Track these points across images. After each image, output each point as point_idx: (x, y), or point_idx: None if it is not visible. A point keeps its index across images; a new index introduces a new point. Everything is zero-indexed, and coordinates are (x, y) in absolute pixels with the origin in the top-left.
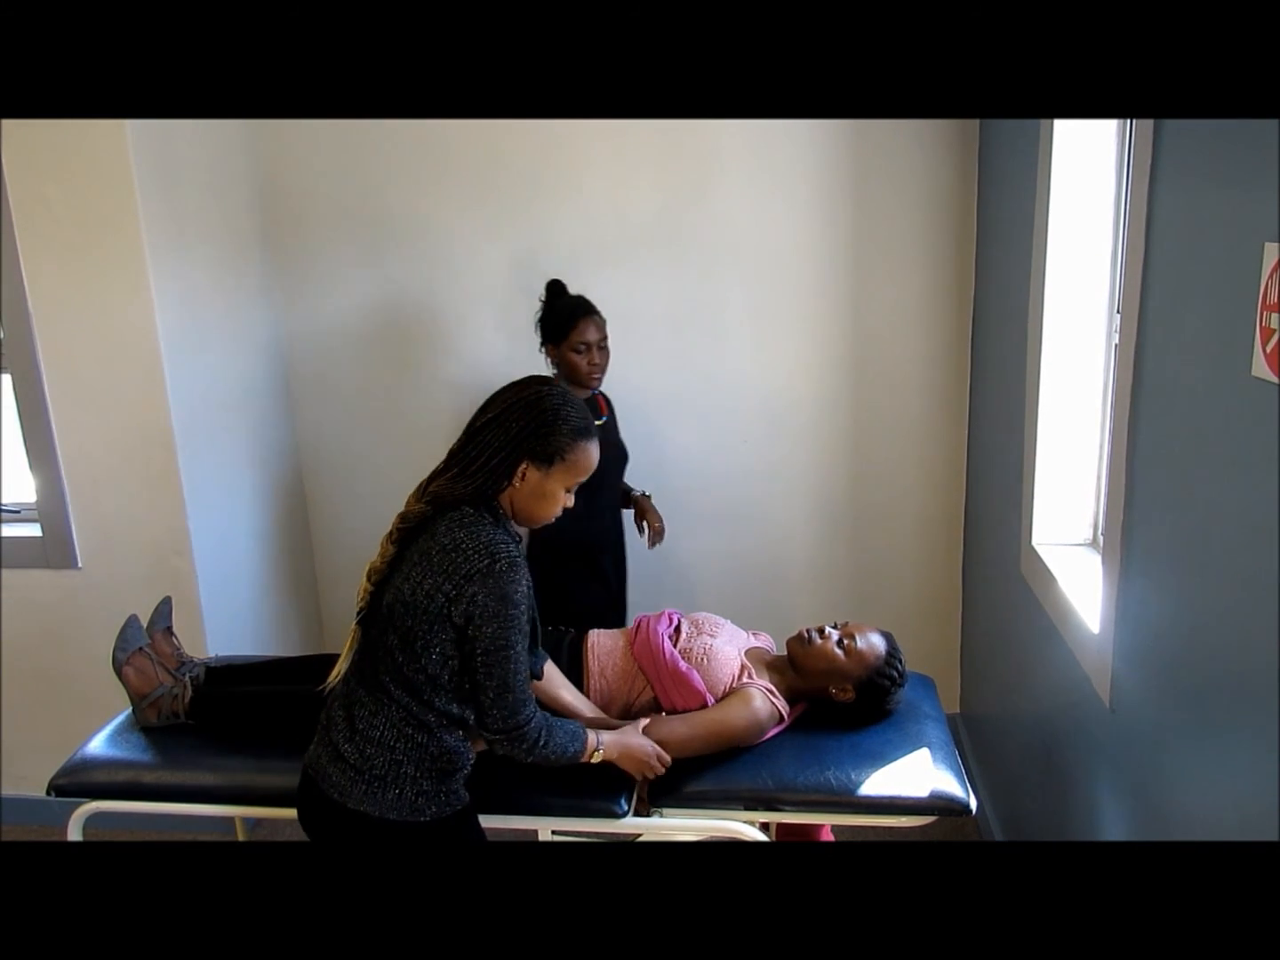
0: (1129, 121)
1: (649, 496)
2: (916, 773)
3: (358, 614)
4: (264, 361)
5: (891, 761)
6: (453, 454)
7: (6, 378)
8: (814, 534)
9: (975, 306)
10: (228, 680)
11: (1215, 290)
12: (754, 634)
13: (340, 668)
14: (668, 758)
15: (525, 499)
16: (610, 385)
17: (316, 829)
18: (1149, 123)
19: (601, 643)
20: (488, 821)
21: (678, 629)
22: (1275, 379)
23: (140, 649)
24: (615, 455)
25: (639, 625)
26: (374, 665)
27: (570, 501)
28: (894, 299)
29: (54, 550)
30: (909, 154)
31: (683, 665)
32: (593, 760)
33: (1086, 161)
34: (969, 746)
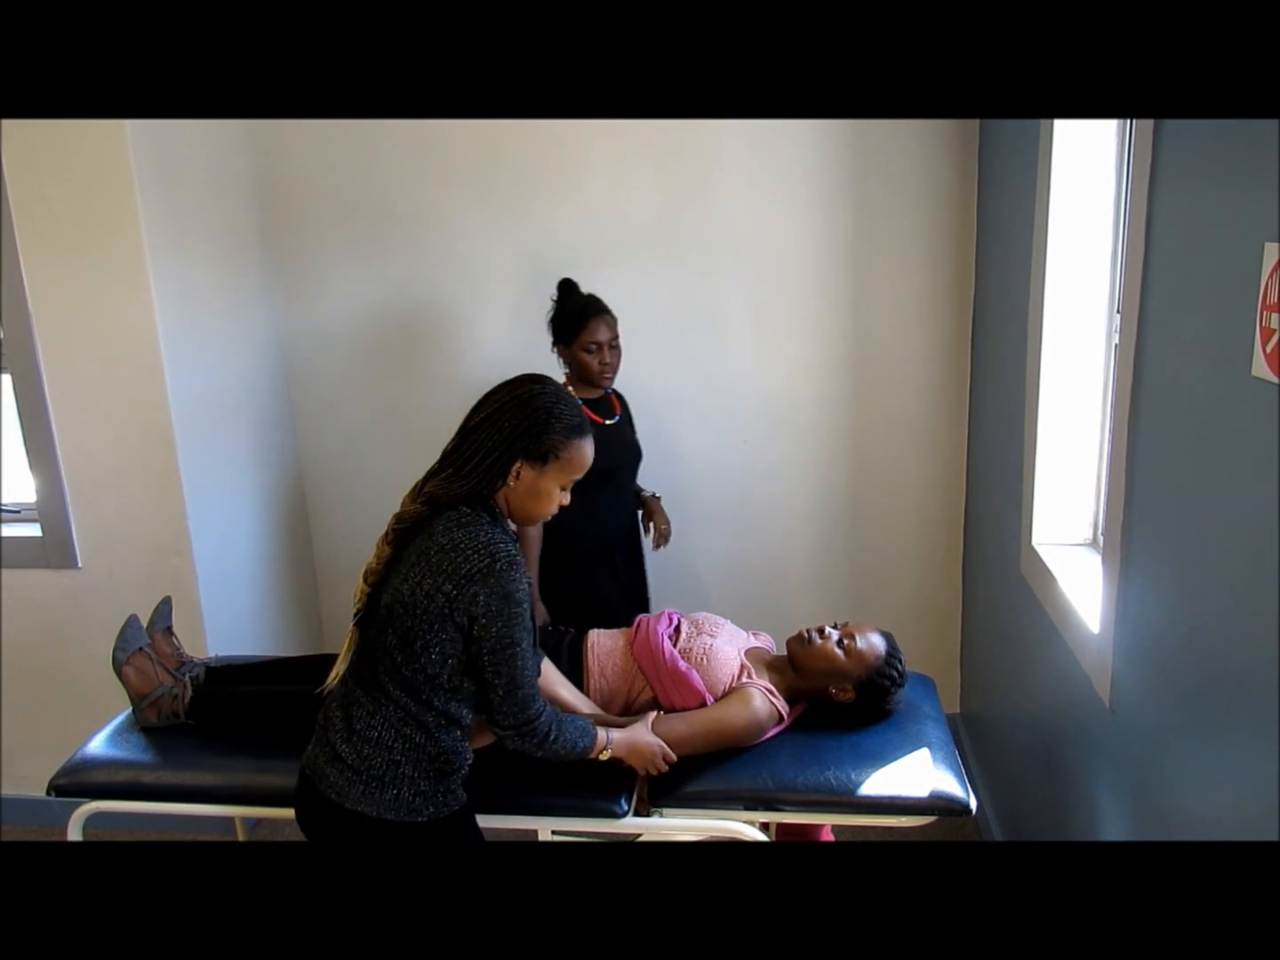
0: (1129, 121)
1: (659, 498)
2: (916, 773)
3: (355, 615)
4: (264, 361)
5: (891, 761)
6: (447, 454)
7: (6, 378)
8: (814, 534)
9: (975, 306)
10: (228, 680)
11: (1215, 290)
12: (754, 634)
13: (338, 670)
14: (674, 755)
15: (520, 498)
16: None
17: (314, 829)
18: (1149, 123)
19: (601, 642)
20: (488, 822)
21: (678, 629)
22: (1275, 379)
23: (140, 649)
24: (628, 454)
25: (639, 625)
26: (372, 666)
27: (566, 499)
28: (894, 299)
29: (54, 550)
30: (909, 154)
31: (682, 665)
32: (601, 757)
33: (1086, 161)
34: (969, 746)
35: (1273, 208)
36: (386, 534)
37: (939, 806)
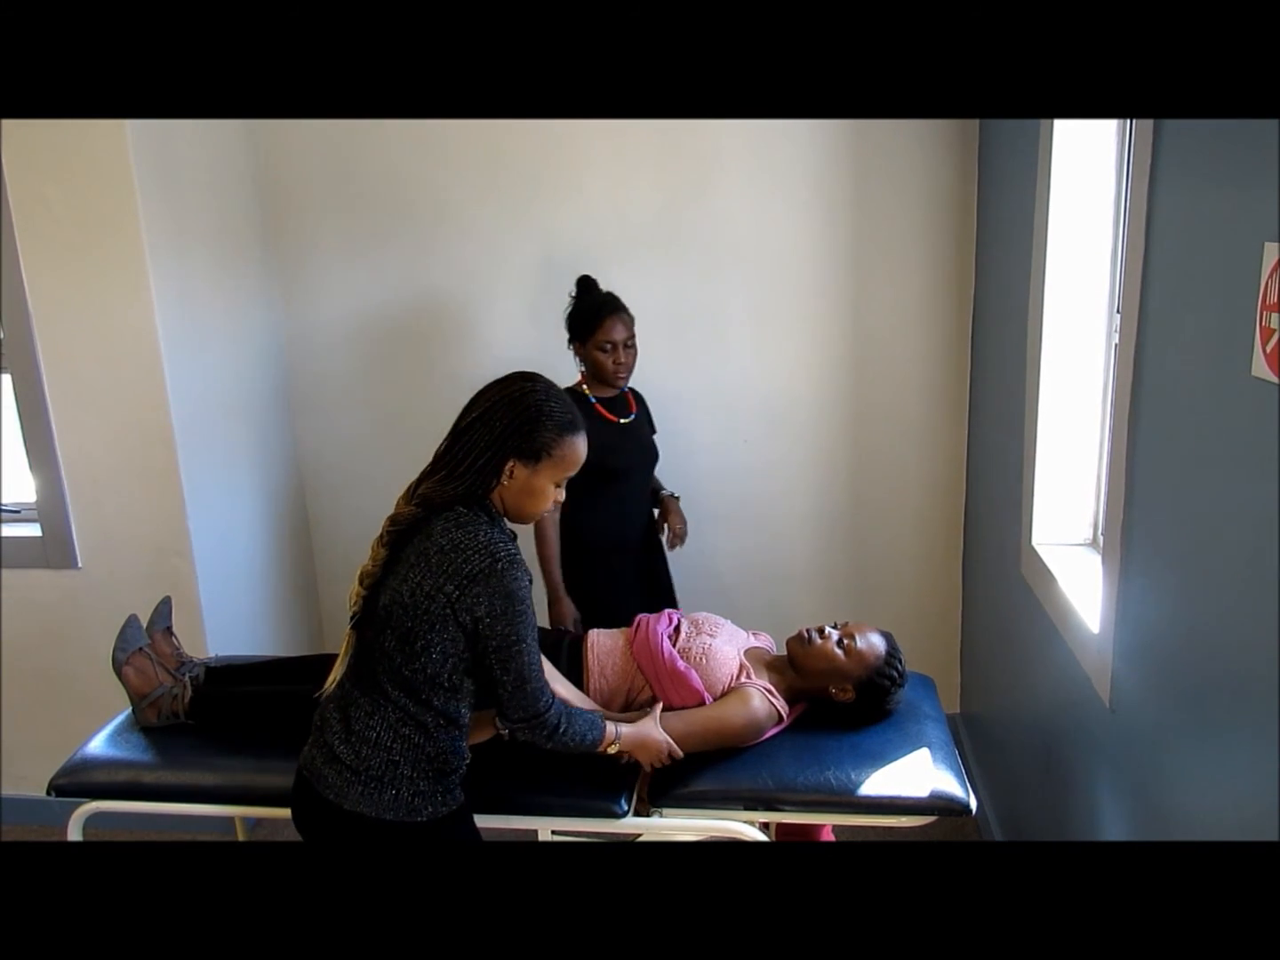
0: (1129, 121)
1: (677, 498)
2: (916, 773)
3: (351, 618)
4: (264, 361)
5: (891, 761)
6: (439, 456)
7: (6, 378)
8: (814, 534)
9: (975, 306)
10: (228, 680)
11: (1215, 290)
12: (754, 634)
13: (336, 673)
14: (679, 752)
15: (515, 496)
16: None
17: (312, 830)
18: (1149, 123)
19: (601, 642)
20: (488, 822)
21: (677, 628)
22: (1275, 379)
23: (140, 649)
24: (643, 454)
25: (638, 625)
26: (370, 667)
27: (561, 496)
28: (894, 299)
29: (54, 550)
30: (909, 154)
31: (681, 664)
32: (609, 751)
33: (1086, 161)
34: (969, 746)
35: (1273, 208)
36: (381, 536)
37: (939, 806)
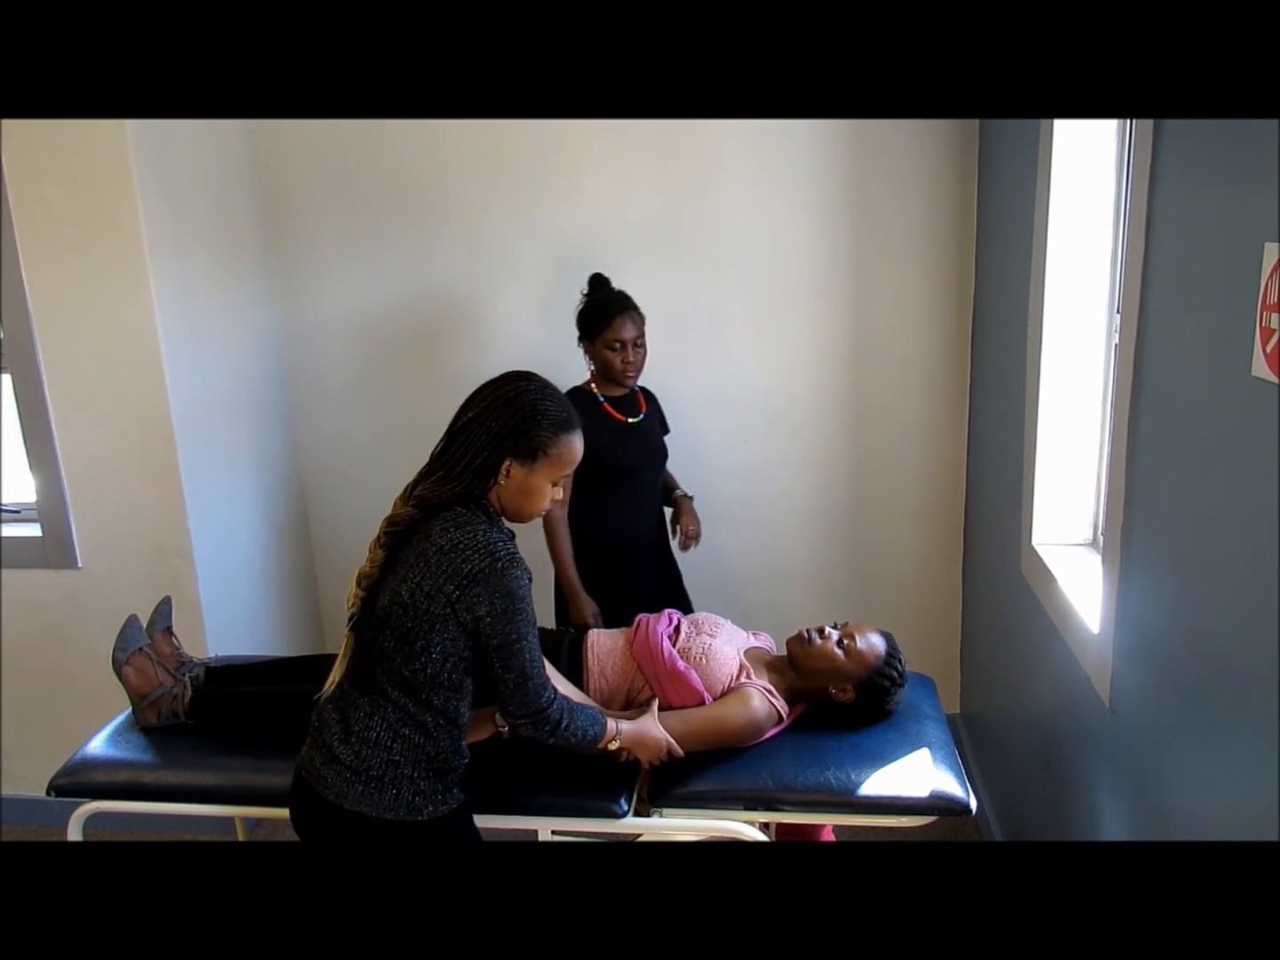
0: (1129, 121)
1: (690, 498)
2: (916, 773)
3: (349, 620)
4: (264, 361)
5: (891, 761)
6: (435, 457)
7: (6, 378)
8: (814, 534)
9: (975, 306)
10: (228, 680)
11: (1215, 290)
12: (754, 634)
13: (335, 675)
14: (679, 750)
15: (512, 496)
16: None
17: (311, 831)
18: (1149, 123)
19: (601, 642)
20: (488, 822)
21: (677, 628)
22: (1275, 379)
23: (140, 649)
24: (651, 454)
25: (638, 625)
26: (369, 668)
27: (559, 494)
28: (894, 299)
29: (54, 550)
30: (909, 154)
31: (680, 664)
32: (610, 747)
33: (1086, 161)
34: (969, 746)
35: (1273, 208)
36: (379, 537)
37: (939, 806)
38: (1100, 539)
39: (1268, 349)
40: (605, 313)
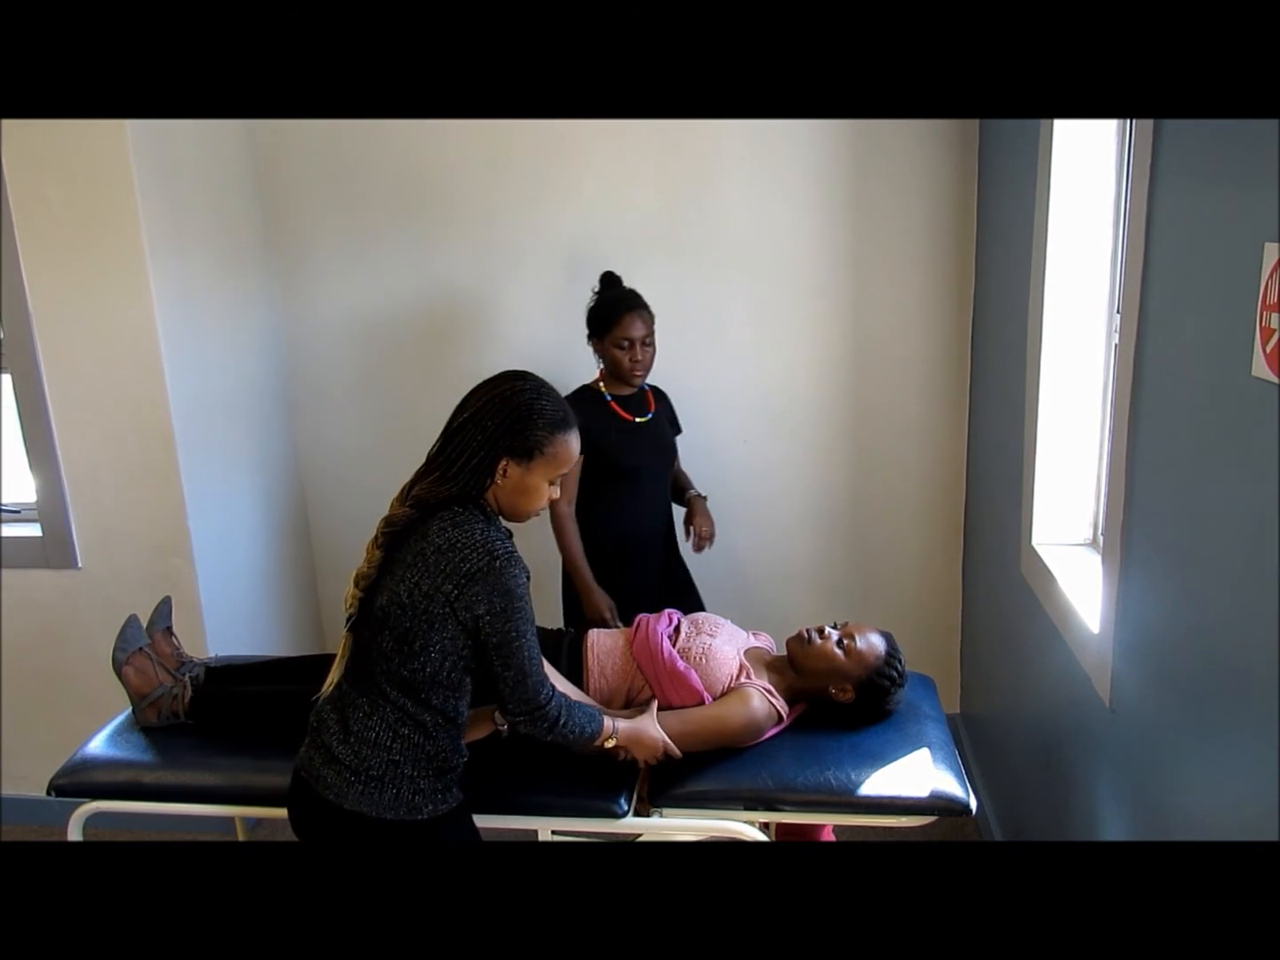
0: (1129, 121)
1: (704, 498)
2: (916, 773)
3: (347, 621)
4: (264, 361)
5: (891, 761)
6: (432, 457)
7: (6, 378)
8: (814, 534)
9: (975, 306)
10: (228, 680)
11: (1215, 290)
12: (754, 634)
13: (334, 676)
14: (676, 750)
15: (509, 495)
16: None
17: (310, 831)
18: (1149, 123)
19: (601, 642)
20: (488, 822)
21: (677, 628)
22: (1275, 379)
23: (140, 649)
24: (658, 454)
25: (638, 625)
26: (368, 668)
27: (555, 493)
28: (894, 299)
29: (54, 550)
30: (909, 154)
31: (680, 664)
32: (607, 745)
33: (1086, 161)
34: (969, 746)
35: (1273, 208)
36: (376, 538)
37: (939, 806)
38: (1100, 539)
39: (1268, 349)
40: (613, 310)
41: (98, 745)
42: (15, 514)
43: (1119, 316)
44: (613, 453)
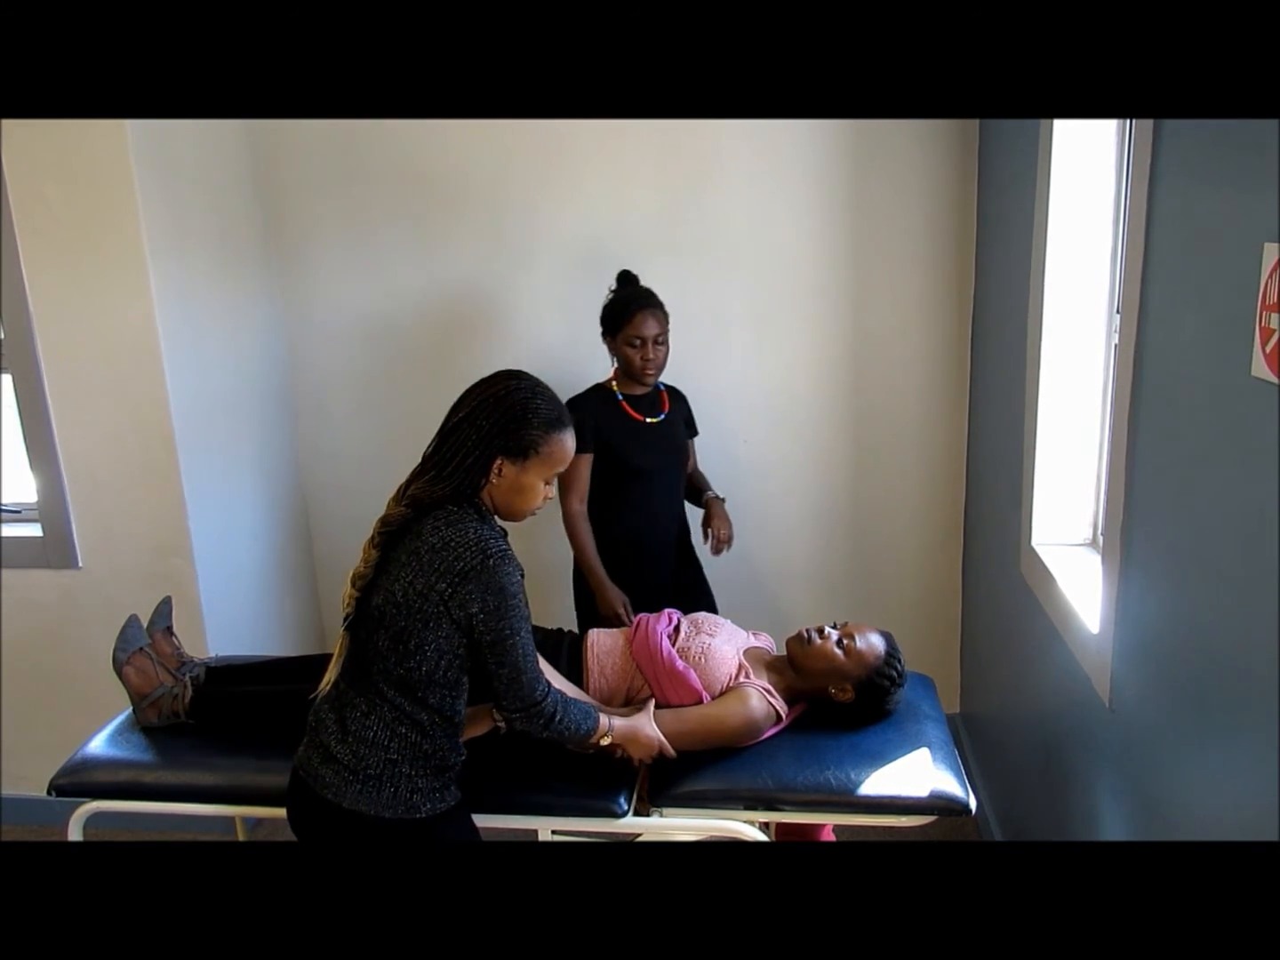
0: (1129, 121)
1: (722, 500)
2: (916, 772)
3: (344, 620)
4: (265, 361)
5: (891, 761)
6: (428, 457)
7: (6, 378)
8: (814, 534)
9: (975, 306)
10: (228, 680)
11: (1215, 290)
12: (754, 634)
13: (330, 676)
14: (671, 750)
15: (504, 494)
16: None
17: (309, 829)
18: (1149, 123)
19: (601, 641)
20: (487, 821)
21: (677, 628)
22: (1275, 379)
23: (140, 649)
24: (668, 455)
25: (638, 624)
26: (365, 667)
27: (552, 493)
28: (894, 299)
29: (54, 550)
30: (909, 154)
31: (679, 664)
32: (602, 742)
33: (1086, 161)
34: (969, 746)
35: (1273, 208)
36: (372, 538)
37: (939, 806)
38: (1100, 539)
39: (1267, 349)
40: (626, 308)
41: (98, 745)
42: (15, 514)
43: (1119, 316)
44: (622, 452)
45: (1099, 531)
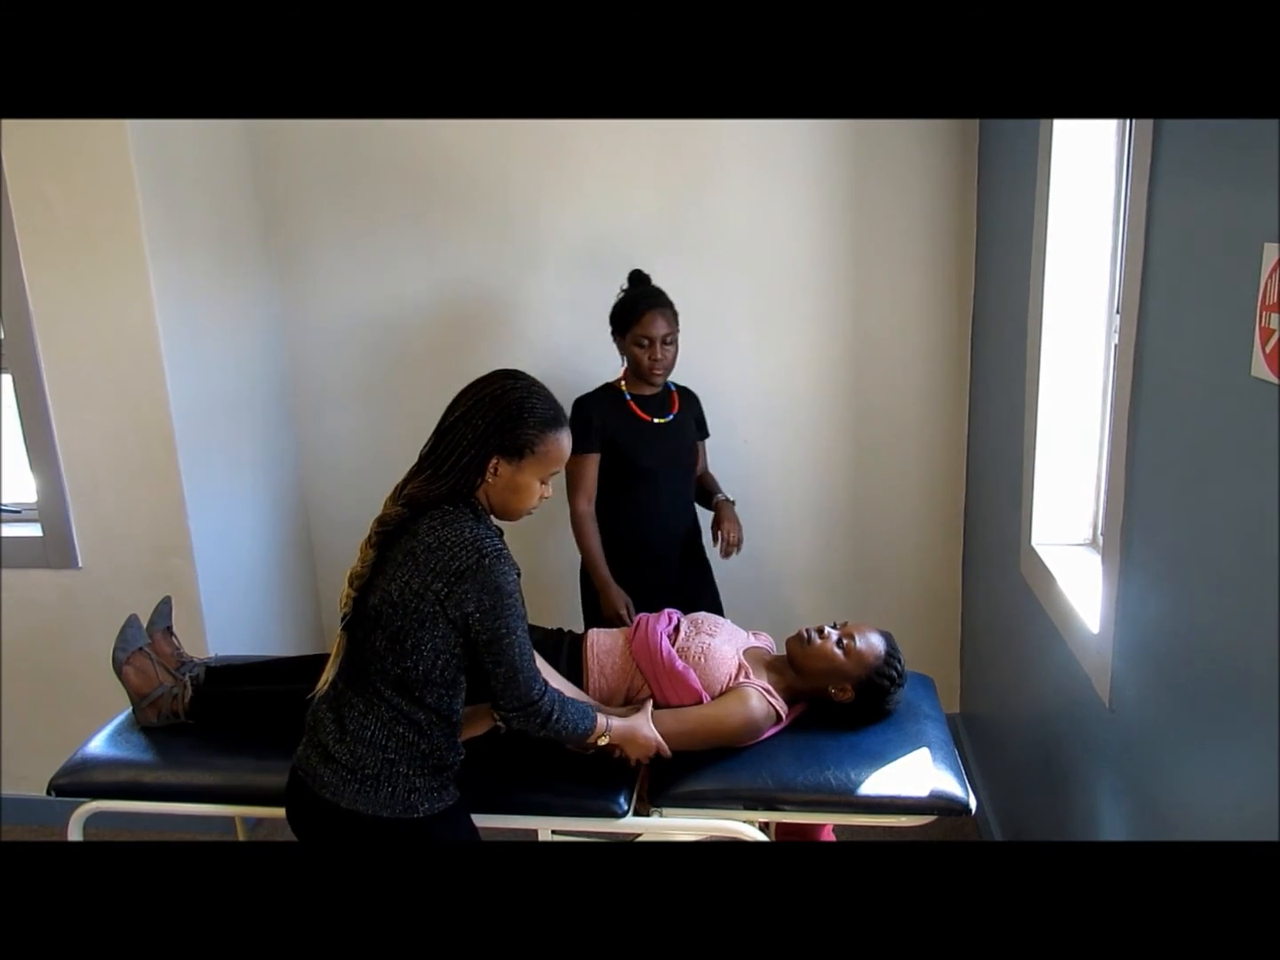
0: (1129, 121)
1: (732, 502)
2: (916, 772)
3: (342, 620)
4: (265, 360)
5: (891, 761)
6: (424, 456)
7: (6, 378)
8: (814, 534)
9: (975, 306)
10: (228, 680)
11: (1215, 290)
12: (754, 634)
13: (328, 675)
14: (667, 750)
15: (500, 494)
16: None
17: (308, 829)
18: (1149, 123)
19: (601, 641)
20: (488, 821)
21: (677, 628)
22: (1275, 379)
23: (140, 649)
24: (675, 456)
25: (638, 624)
26: (362, 667)
27: (548, 492)
28: (894, 299)
29: (54, 550)
30: (909, 154)
31: (679, 664)
32: (600, 742)
33: (1086, 161)
34: (969, 746)
35: (1273, 208)
36: (369, 538)
37: (939, 806)
38: (1100, 539)
39: (1267, 349)
40: (635, 308)
41: (98, 745)
42: (15, 514)
43: (1119, 316)
44: (629, 452)
45: (1099, 531)
